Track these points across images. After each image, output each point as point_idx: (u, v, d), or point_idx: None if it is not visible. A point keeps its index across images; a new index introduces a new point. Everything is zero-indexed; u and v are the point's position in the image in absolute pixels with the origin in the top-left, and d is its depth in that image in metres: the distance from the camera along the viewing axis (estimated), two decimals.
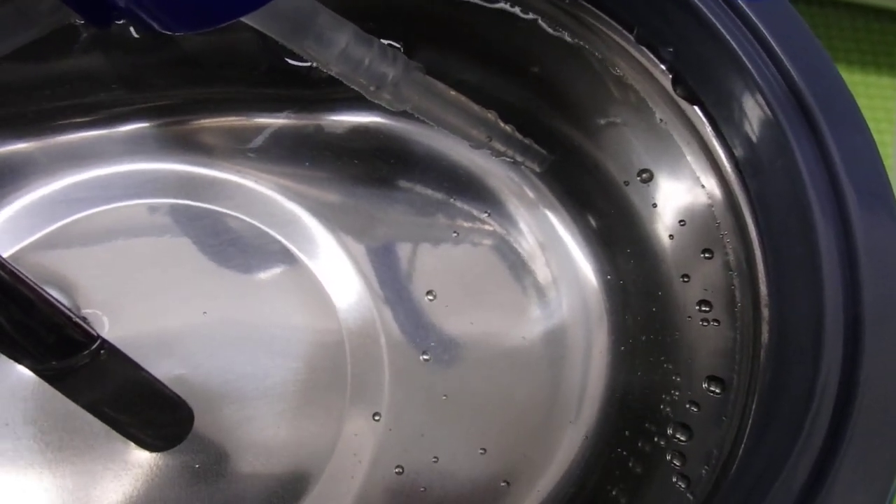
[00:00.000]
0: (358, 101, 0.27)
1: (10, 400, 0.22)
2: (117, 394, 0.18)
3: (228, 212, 0.26)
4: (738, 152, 0.21)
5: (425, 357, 0.24)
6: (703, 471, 0.19)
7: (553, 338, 0.25)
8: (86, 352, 0.17)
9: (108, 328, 0.23)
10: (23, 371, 0.20)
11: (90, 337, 0.17)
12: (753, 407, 0.19)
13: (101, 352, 0.17)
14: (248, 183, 0.27)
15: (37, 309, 0.16)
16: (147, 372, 0.19)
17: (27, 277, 0.16)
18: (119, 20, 0.20)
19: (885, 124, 0.34)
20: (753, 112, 0.19)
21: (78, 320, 0.17)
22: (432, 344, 0.25)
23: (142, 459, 0.22)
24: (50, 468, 0.22)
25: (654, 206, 0.24)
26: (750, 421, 0.18)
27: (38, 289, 0.16)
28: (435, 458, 0.23)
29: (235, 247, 0.26)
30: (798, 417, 0.15)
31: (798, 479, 0.15)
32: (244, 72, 0.26)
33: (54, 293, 0.19)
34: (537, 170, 0.26)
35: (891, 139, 0.34)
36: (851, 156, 0.18)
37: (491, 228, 0.26)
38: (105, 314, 0.23)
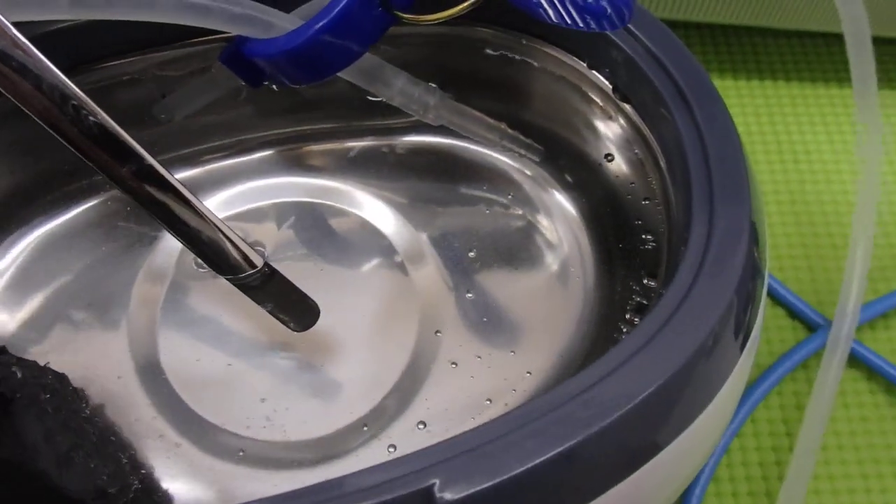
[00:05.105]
0: (417, 127, 0.37)
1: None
2: (277, 296, 0.29)
3: (333, 204, 0.37)
4: (654, 132, 0.31)
5: (469, 295, 0.34)
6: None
7: (560, 271, 0.34)
8: (257, 270, 0.28)
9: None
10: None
11: (259, 262, 0.28)
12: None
13: (266, 270, 0.28)
14: (344, 187, 0.37)
15: (230, 243, 0.27)
16: (293, 284, 0.29)
17: (225, 224, 0.28)
18: (266, 82, 0.32)
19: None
20: (655, 106, 0.30)
21: (253, 252, 0.28)
22: (475, 284, 0.34)
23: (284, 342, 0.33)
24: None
25: (617, 177, 0.34)
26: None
27: (230, 230, 0.27)
28: (478, 356, 0.33)
29: (338, 226, 0.36)
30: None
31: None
32: (341, 108, 0.37)
33: None
34: (536, 160, 0.36)
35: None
36: (710, 120, 0.28)
37: (514, 208, 0.36)
38: None
